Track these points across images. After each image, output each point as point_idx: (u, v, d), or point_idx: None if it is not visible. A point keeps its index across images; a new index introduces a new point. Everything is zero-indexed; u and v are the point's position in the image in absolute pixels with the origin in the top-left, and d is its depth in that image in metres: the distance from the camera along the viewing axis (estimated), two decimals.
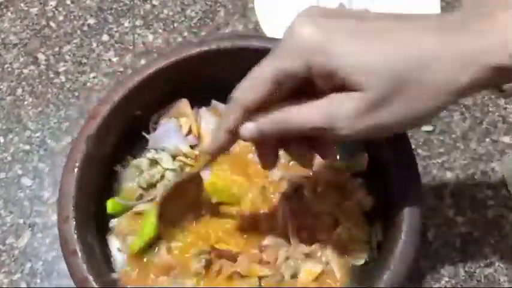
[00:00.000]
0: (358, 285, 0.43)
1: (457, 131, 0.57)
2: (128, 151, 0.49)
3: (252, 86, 0.33)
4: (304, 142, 0.37)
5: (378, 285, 0.38)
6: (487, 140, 0.57)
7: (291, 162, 0.48)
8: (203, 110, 0.51)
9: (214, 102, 0.51)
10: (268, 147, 0.38)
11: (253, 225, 0.45)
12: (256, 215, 0.46)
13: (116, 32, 0.65)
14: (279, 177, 0.47)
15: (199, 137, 0.50)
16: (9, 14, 0.66)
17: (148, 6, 0.66)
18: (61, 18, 0.66)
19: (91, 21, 0.66)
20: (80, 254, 0.39)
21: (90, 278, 0.39)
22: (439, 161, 0.56)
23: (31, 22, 0.66)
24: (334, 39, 0.30)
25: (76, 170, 0.42)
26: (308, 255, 0.44)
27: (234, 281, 0.43)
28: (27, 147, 0.58)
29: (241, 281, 0.43)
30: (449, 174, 0.55)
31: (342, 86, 0.31)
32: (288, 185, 0.47)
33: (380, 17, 0.32)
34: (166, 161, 0.48)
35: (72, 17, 0.66)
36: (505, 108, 0.58)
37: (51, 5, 0.67)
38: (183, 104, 0.50)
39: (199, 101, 0.51)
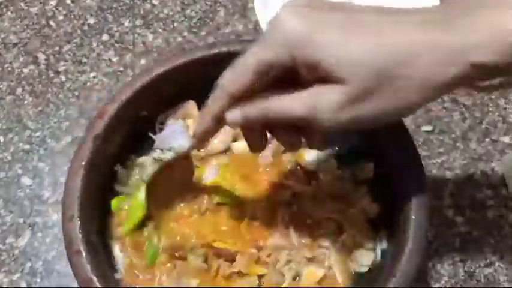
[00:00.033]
0: None
1: (456, 131, 0.57)
2: (134, 151, 0.49)
3: (236, 74, 0.34)
4: (291, 128, 0.37)
5: None
6: (487, 140, 0.57)
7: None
8: None
9: None
10: (256, 131, 0.38)
11: (252, 227, 0.45)
12: (256, 217, 0.46)
13: (116, 31, 0.65)
14: (271, 161, 0.47)
15: None
16: (9, 13, 0.66)
17: (148, 6, 0.66)
18: (61, 17, 0.66)
19: (91, 20, 0.66)
20: (84, 254, 0.39)
21: (94, 278, 0.39)
22: (439, 160, 0.56)
23: (31, 22, 0.66)
24: (319, 31, 0.31)
25: (82, 169, 0.42)
26: (310, 260, 0.44)
27: (233, 280, 0.43)
28: (27, 146, 0.58)
29: (241, 280, 0.43)
30: (448, 174, 0.55)
31: (325, 78, 0.31)
32: (285, 191, 0.47)
33: (365, 10, 0.32)
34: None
35: (72, 16, 0.66)
36: (505, 108, 0.58)
37: (51, 5, 0.67)
38: (191, 106, 0.50)
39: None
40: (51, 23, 0.66)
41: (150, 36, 0.64)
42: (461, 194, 0.54)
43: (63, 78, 0.62)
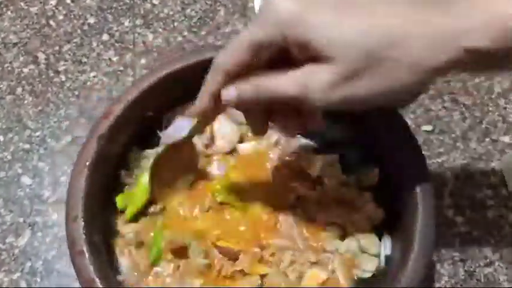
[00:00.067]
0: None
1: (456, 131, 0.57)
2: (138, 152, 0.49)
3: (230, 52, 0.34)
4: (289, 111, 0.38)
5: None
6: (487, 139, 0.57)
7: None
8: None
9: None
10: (257, 115, 0.39)
11: (256, 227, 0.45)
12: (260, 217, 0.46)
13: (116, 31, 0.65)
14: (275, 140, 0.48)
15: (212, 138, 0.49)
16: (9, 13, 0.66)
17: (148, 6, 0.66)
18: (61, 17, 0.66)
19: (91, 20, 0.66)
20: (87, 255, 0.39)
21: (97, 279, 0.39)
22: (439, 160, 0.56)
23: (31, 21, 0.66)
24: (310, 11, 0.31)
25: (86, 169, 0.42)
26: (314, 264, 0.44)
27: (235, 279, 0.43)
28: (27, 146, 0.58)
29: (243, 280, 0.43)
30: (448, 174, 0.55)
31: (316, 57, 0.32)
32: (290, 193, 0.47)
33: None
34: None
35: (72, 16, 0.66)
36: (505, 108, 0.58)
37: (51, 4, 0.67)
38: (193, 120, 0.50)
39: None
40: (51, 22, 0.66)
41: (150, 36, 0.64)
42: (461, 194, 0.54)
43: (63, 77, 0.62)
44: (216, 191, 0.46)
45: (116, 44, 0.64)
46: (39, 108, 0.60)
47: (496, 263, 0.51)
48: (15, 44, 0.64)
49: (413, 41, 0.30)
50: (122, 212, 0.46)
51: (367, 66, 0.31)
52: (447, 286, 0.50)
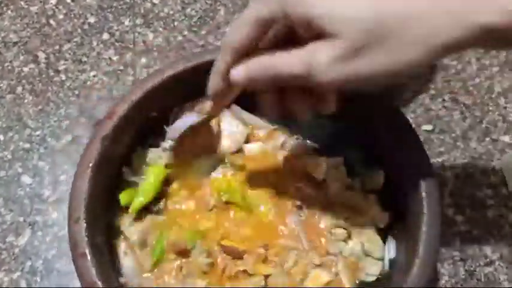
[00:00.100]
0: None
1: (457, 130, 0.57)
2: (142, 152, 0.49)
3: (237, 29, 0.35)
4: (301, 92, 0.37)
5: None
6: (487, 139, 0.57)
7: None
8: (225, 112, 0.50)
9: (235, 107, 0.50)
10: (271, 98, 0.39)
11: (260, 227, 0.45)
12: (265, 218, 0.46)
13: (116, 30, 0.65)
14: (281, 142, 0.48)
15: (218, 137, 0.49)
16: (9, 12, 0.66)
17: (148, 5, 0.66)
18: (61, 16, 0.66)
19: (91, 19, 0.66)
20: (89, 257, 0.39)
21: (99, 282, 0.38)
22: (439, 160, 0.56)
23: (31, 20, 0.66)
24: None
25: (90, 170, 0.42)
26: (318, 266, 0.44)
27: (239, 279, 0.43)
28: (27, 145, 0.58)
29: (247, 280, 0.43)
30: (449, 173, 0.55)
31: (320, 34, 0.31)
32: (296, 194, 0.47)
33: None
34: None
35: (72, 15, 0.66)
36: (505, 108, 0.58)
37: (51, 4, 0.67)
38: (208, 102, 0.49)
39: None
40: (52, 21, 0.66)
41: (151, 35, 0.64)
42: (462, 193, 0.54)
43: (63, 77, 0.62)
44: (221, 191, 0.46)
45: (116, 43, 0.64)
46: (40, 107, 0.60)
47: (496, 263, 0.51)
48: (15, 43, 0.64)
49: (421, 16, 0.29)
50: (126, 210, 0.46)
51: (372, 42, 0.30)
52: (447, 286, 0.50)
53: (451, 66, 0.60)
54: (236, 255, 0.44)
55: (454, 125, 0.58)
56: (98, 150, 0.43)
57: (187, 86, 0.47)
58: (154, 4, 0.66)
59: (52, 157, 0.57)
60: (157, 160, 0.47)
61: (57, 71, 0.62)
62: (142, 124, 0.47)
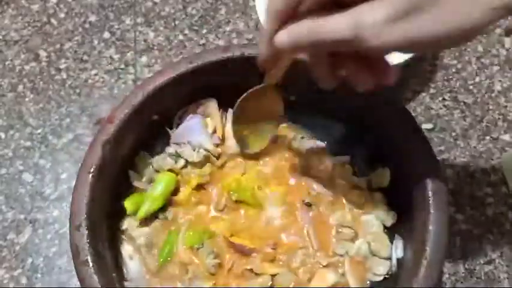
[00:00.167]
0: None
1: (457, 129, 0.57)
2: (146, 156, 0.49)
3: None
4: (356, 61, 0.35)
5: None
6: (487, 138, 0.57)
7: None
8: (230, 113, 0.49)
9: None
10: (323, 67, 0.37)
11: (269, 226, 0.45)
12: (275, 216, 0.46)
13: (117, 29, 0.65)
14: (288, 140, 0.49)
15: (223, 139, 0.49)
16: (10, 10, 0.66)
17: (149, 4, 0.66)
18: (62, 15, 0.66)
19: (92, 18, 0.66)
20: (91, 264, 0.39)
21: None
22: (440, 158, 0.56)
23: (32, 19, 0.66)
24: None
25: (90, 176, 0.41)
26: (325, 266, 0.44)
27: (245, 277, 0.43)
28: (29, 143, 0.58)
29: (253, 279, 0.43)
30: (449, 172, 0.55)
31: None
32: (304, 193, 0.47)
33: None
34: (188, 154, 0.47)
35: (73, 14, 0.66)
36: (505, 107, 0.58)
37: (52, 2, 0.67)
38: (212, 104, 0.49)
39: (226, 104, 0.50)
40: (53, 20, 0.66)
41: (151, 34, 0.64)
42: (462, 192, 0.54)
43: (64, 75, 0.62)
44: (231, 190, 0.46)
45: (117, 42, 0.64)
46: (41, 105, 0.60)
47: (497, 261, 0.51)
48: (16, 42, 0.64)
49: None
50: (131, 213, 0.46)
51: (425, 1, 0.28)
52: (447, 284, 0.50)
53: (451, 65, 0.61)
54: (245, 252, 0.44)
55: (454, 124, 0.58)
56: (99, 155, 0.42)
57: (188, 87, 0.47)
58: (155, 3, 0.66)
59: (53, 155, 0.57)
60: (163, 166, 0.47)
61: (58, 70, 0.62)
62: (143, 127, 0.47)
